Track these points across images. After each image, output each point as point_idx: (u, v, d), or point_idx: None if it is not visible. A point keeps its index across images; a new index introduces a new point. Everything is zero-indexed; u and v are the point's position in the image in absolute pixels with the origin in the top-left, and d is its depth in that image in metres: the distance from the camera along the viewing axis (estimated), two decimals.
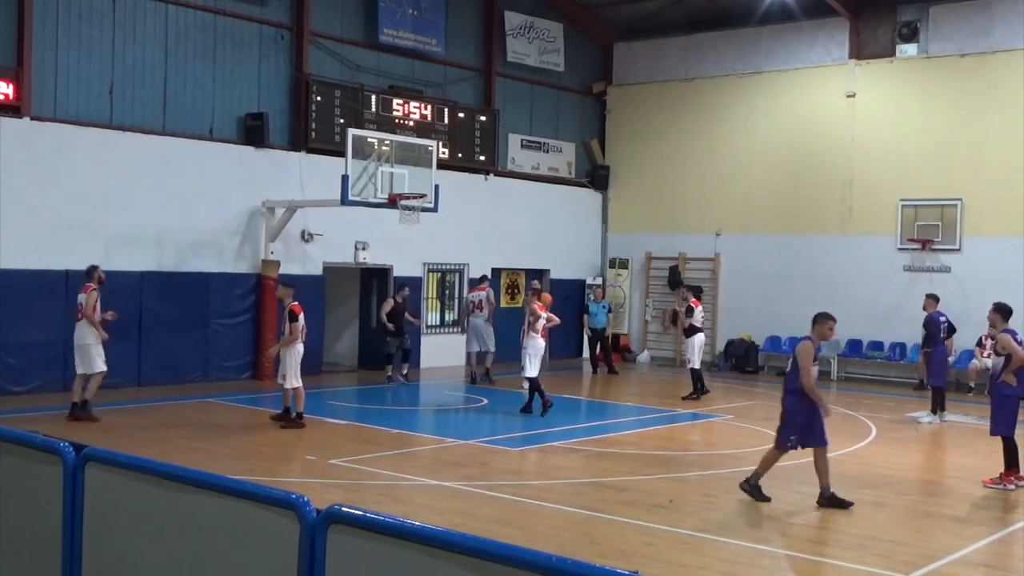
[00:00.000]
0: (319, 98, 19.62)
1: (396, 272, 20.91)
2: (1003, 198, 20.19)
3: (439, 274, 22.38)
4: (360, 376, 20.15)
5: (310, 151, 19.50)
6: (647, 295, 25.22)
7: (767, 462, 10.32)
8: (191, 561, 4.18)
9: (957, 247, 20.87)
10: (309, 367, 18.08)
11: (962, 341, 18.34)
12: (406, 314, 18.79)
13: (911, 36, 21.61)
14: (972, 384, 19.07)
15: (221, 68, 18.44)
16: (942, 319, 16.44)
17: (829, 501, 10.02)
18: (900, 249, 21.52)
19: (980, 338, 17.84)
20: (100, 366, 13.72)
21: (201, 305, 17.93)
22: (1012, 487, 11.06)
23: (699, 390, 17.97)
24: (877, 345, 21.68)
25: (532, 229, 23.95)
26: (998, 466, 11.33)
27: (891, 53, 21.92)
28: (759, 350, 23.19)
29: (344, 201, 16.79)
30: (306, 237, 19.35)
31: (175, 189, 17.58)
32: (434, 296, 22.35)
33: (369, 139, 17.63)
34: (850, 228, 22.21)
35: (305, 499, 3.76)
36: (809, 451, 10.29)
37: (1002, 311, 11.80)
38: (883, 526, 9.49)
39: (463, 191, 21.64)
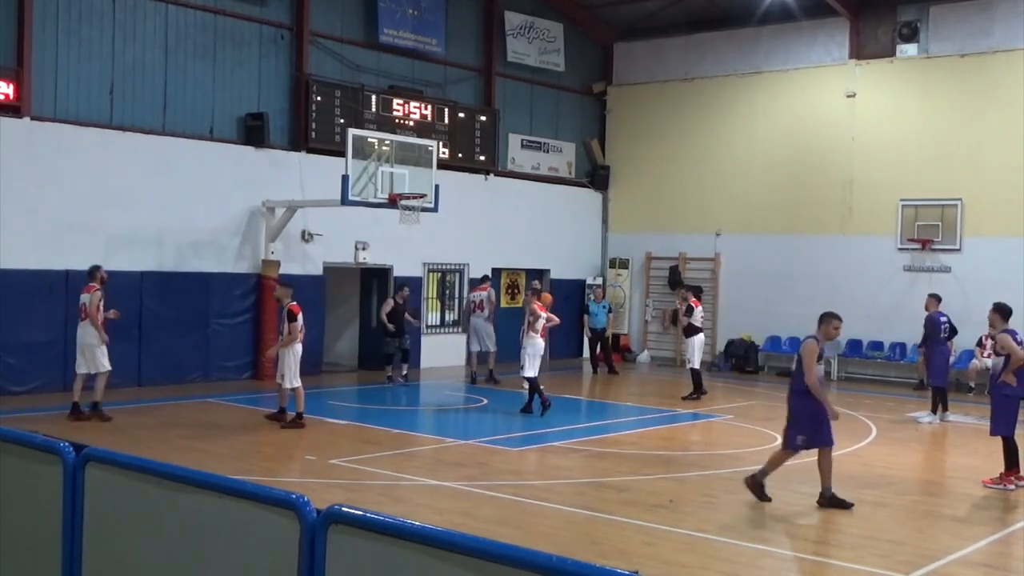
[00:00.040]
0: (319, 98, 19.62)
1: (396, 272, 20.91)
2: (1003, 198, 20.19)
3: (439, 274, 22.38)
4: (360, 376, 20.16)
5: (310, 151, 19.50)
6: (647, 295, 25.22)
7: (774, 462, 10.29)
8: (191, 561, 4.18)
9: (957, 247, 20.87)
10: (309, 367, 18.10)
11: (962, 341, 18.32)
12: (406, 315, 18.79)
13: (911, 36, 21.61)
14: (972, 384, 19.06)
15: (221, 68, 18.44)
16: (943, 319, 16.43)
17: (830, 501, 10.01)
18: (900, 249, 21.52)
19: (980, 338, 17.79)
20: (106, 365, 13.75)
21: (201, 305, 17.94)
22: (1012, 487, 11.07)
23: (698, 390, 17.96)
24: (877, 345, 21.68)
25: (532, 229, 23.95)
26: (998, 466, 11.33)
27: (891, 53, 21.92)
28: (759, 350, 23.19)
29: (344, 201, 16.79)
30: (306, 237, 19.36)
31: (175, 189, 17.58)
32: (434, 296, 22.35)
33: (369, 139, 17.64)
34: (850, 228, 22.22)
35: (305, 499, 3.76)
36: (812, 450, 10.28)
37: (1001, 311, 11.80)
38: (883, 526, 9.49)
39: (463, 191, 21.64)
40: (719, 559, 8.27)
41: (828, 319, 10.30)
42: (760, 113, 23.55)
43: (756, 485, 10.19)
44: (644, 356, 25.02)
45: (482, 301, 19.64)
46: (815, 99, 22.85)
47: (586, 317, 22.20)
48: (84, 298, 13.82)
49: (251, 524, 3.92)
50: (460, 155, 22.14)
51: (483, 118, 22.84)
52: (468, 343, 20.19)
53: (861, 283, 21.58)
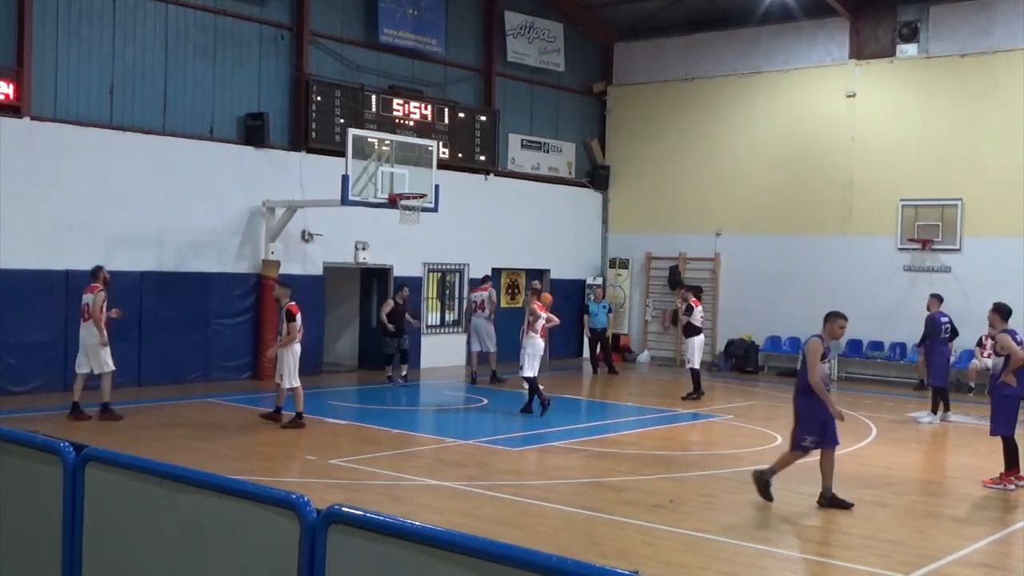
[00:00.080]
0: (319, 98, 19.62)
1: (396, 272, 20.91)
2: (1003, 198, 20.19)
3: (439, 274, 22.38)
4: (360, 376, 20.16)
5: (310, 151, 19.50)
6: (647, 295, 25.22)
7: (782, 462, 10.25)
8: (191, 561, 4.18)
9: (957, 247, 20.87)
10: (309, 367, 18.12)
11: (962, 341, 18.31)
12: (406, 315, 18.78)
13: (911, 36, 21.61)
14: (972, 384, 19.06)
15: (221, 68, 18.45)
16: (944, 319, 16.43)
17: (830, 501, 10.01)
18: (900, 249, 21.53)
19: (980, 338, 17.79)
20: (110, 365, 13.79)
21: (201, 305, 17.94)
22: (1012, 487, 11.07)
23: (697, 390, 17.96)
24: (877, 345, 21.68)
25: (532, 229, 23.95)
26: (998, 466, 11.34)
27: (891, 53, 21.92)
28: (759, 350, 23.19)
29: (344, 201, 16.79)
30: (306, 237, 19.36)
31: (175, 189, 17.58)
32: (434, 296, 22.35)
33: (369, 139, 17.63)
34: (850, 228, 22.22)
35: (305, 499, 3.76)
36: (817, 453, 10.27)
37: (1001, 311, 11.81)
38: (883, 526, 9.49)
39: (463, 191, 21.64)
40: (719, 559, 8.27)
41: (834, 318, 10.25)
42: (760, 113, 23.55)
43: (762, 483, 10.14)
44: (644, 356, 25.02)
45: (483, 301, 19.64)
46: (815, 99, 22.85)
47: (586, 317, 22.20)
48: (87, 298, 13.82)
49: (251, 524, 3.92)
50: (460, 155, 22.14)
51: (483, 118, 22.83)
52: (469, 343, 20.19)
53: (861, 283, 21.58)
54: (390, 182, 17.22)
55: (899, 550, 8.66)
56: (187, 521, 4.19)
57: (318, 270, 19.75)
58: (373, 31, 20.76)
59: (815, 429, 10.04)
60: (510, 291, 24.07)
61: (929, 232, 21.05)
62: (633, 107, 25.50)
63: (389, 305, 18.68)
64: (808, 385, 9.99)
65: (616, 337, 24.57)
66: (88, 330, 13.74)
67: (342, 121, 19.59)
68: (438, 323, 22.47)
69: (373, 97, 20.54)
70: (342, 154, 17.23)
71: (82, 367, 13.81)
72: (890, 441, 14.27)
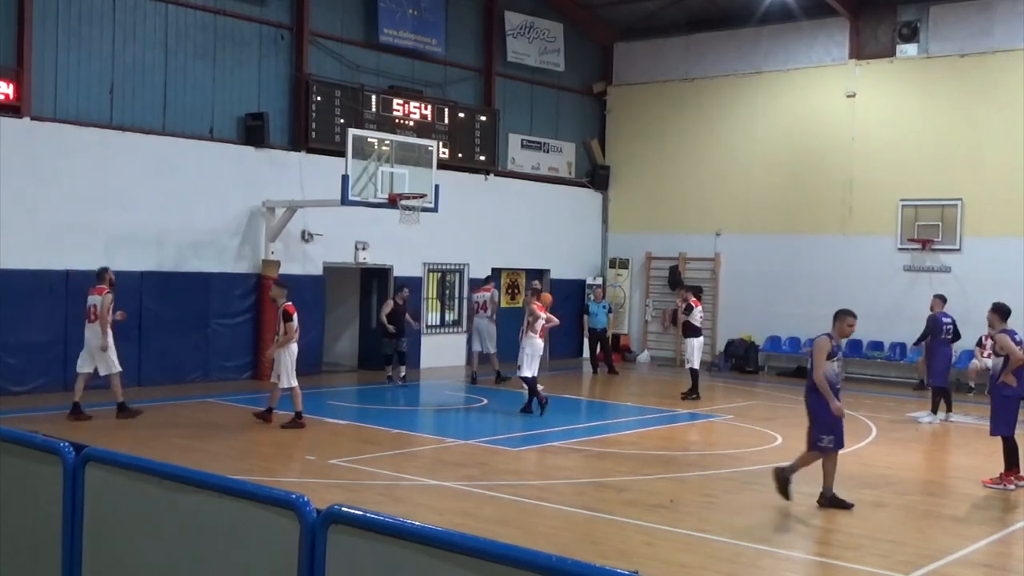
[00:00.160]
0: (319, 98, 19.62)
1: (396, 272, 20.91)
2: (1003, 198, 20.19)
3: (439, 274, 22.38)
4: (360, 376, 20.16)
5: (310, 151, 19.50)
6: (647, 295, 25.22)
7: (803, 461, 10.15)
8: (191, 561, 4.18)
9: (957, 247, 20.88)
10: (309, 367, 18.14)
11: (962, 341, 18.29)
12: (407, 316, 18.77)
13: (911, 36, 21.61)
14: (972, 384, 19.06)
15: (221, 68, 18.45)
16: (946, 320, 16.41)
17: (830, 502, 10.00)
18: (900, 249, 21.53)
19: (980, 338, 17.81)
20: (117, 366, 13.86)
21: (201, 305, 17.94)
22: (1012, 487, 11.07)
23: (694, 391, 17.95)
24: (877, 345, 21.68)
25: (532, 229, 23.95)
26: (998, 466, 11.34)
27: (891, 53, 21.92)
28: (759, 350, 23.19)
29: (344, 201, 16.79)
30: (306, 237, 19.36)
31: (175, 189, 17.58)
32: (434, 296, 22.35)
33: (369, 139, 17.63)
34: (850, 228, 22.22)
35: (305, 499, 3.76)
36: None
37: (1000, 311, 11.81)
38: (883, 526, 9.49)
39: (463, 191, 21.64)
40: (719, 559, 8.26)
41: (842, 316, 10.18)
42: (760, 113, 23.55)
43: (782, 480, 10.02)
44: (644, 356, 25.02)
45: (485, 302, 19.63)
46: (815, 99, 22.85)
47: (586, 317, 22.20)
48: (94, 300, 13.83)
49: (251, 524, 3.92)
50: (460, 155, 22.14)
51: (483, 118, 22.84)
52: (470, 342, 20.16)
53: (861, 283, 21.57)
54: (390, 182, 17.22)
55: (899, 550, 8.66)
56: (187, 521, 4.19)
57: (318, 270, 19.75)
58: (373, 31, 20.76)
59: (830, 428, 9.99)
60: (510, 291, 24.07)
61: (929, 232, 21.05)
62: (633, 107, 25.49)
63: (389, 306, 18.68)
64: (818, 384, 9.93)
65: (616, 337, 24.57)
66: (93, 331, 13.76)
67: (342, 121, 19.59)
68: (438, 323, 22.47)
69: (373, 97, 20.55)
70: (342, 154, 17.23)
71: (84, 367, 13.82)
72: (890, 441, 14.27)
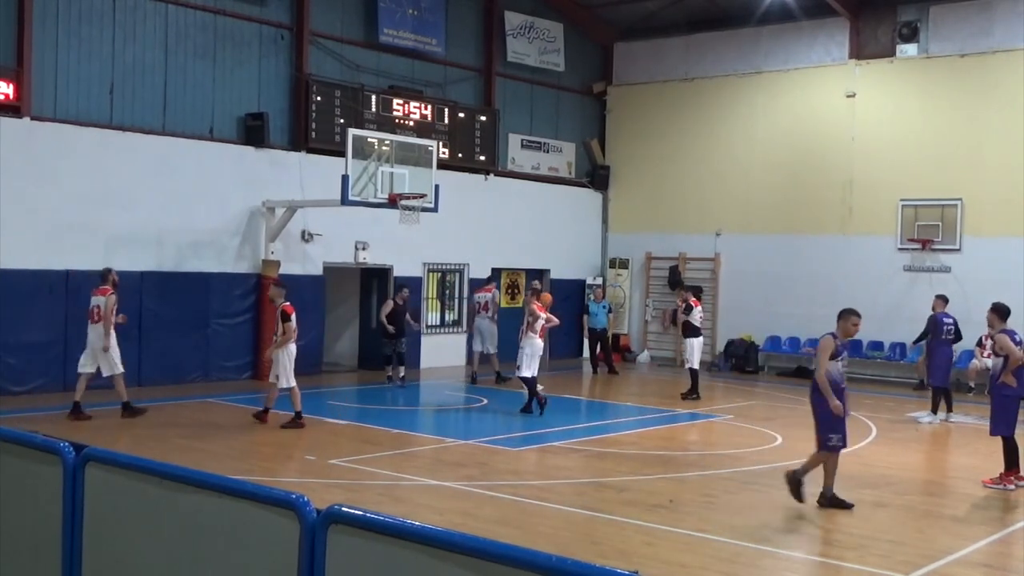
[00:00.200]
0: (319, 98, 19.62)
1: (396, 272, 20.91)
2: (1003, 198, 20.19)
3: (439, 274, 22.38)
4: (360, 376, 20.16)
5: (310, 151, 19.50)
6: (647, 295, 25.22)
7: (813, 462, 10.11)
8: (191, 561, 4.18)
9: (957, 247, 20.88)
10: (309, 367, 18.15)
11: (962, 341, 18.31)
12: (407, 316, 18.76)
13: (911, 36, 21.61)
14: (972, 384, 19.05)
15: (221, 68, 18.45)
16: (948, 320, 16.38)
17: (830, 501, 10.00)
18: (900, 249, 21.53)
19: (980, 338, 17.79)
20: (120, 367, 13.88)
21: (201, 305, 17.94)
22: (1012, 487, 11.07)
23: (694, 391, 17.95)
24: (877, 345, 21.67)
25: (532, 229, 23.95)
26: (998, 466, 11.34)
27: (891, 53, 21.92)
28: (759, 350, 23.19)
29: (344, 201, 16.78)
30: (306, 237, 19.36)
31: (175, 189, 17.58)
32: (434, 296, 22.35)
33: (369, 139, 17.63)
34: (850, 228, 22.22)
35: (305, 499, 3.76)
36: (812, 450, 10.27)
37: (999, 312, 11.82)
38: (883, 526, 9.49)
39: (463, 191, 21.64)
40: (719, 559, 8.26)
41: (847, 316, 10.13)
42: (760, 113, 23.55)
43: (795, 482, 9.97)
44: (644, 356, 25.02)
45: (487, 302, 19.63)
46: (815, 99, 22.85)
47: (586, 317, 22.20)
48: (97, 300, 13.84)
49: (251, 524, 3.92)
50: (460, 155, 22.14)
51: (483, 118, 22.84)
52: (471, 342, 20.12)
53: (861, 283, 21.56)
54: (390, 182, 17.22)
55: (899, 550, 8.66)
56: (187, 521, 4.19)
57: (318, 270, 19.75)
58: (373, 31, 20.76)
59: (837, 427, 9.97)
60: (510, 291, 24.07)
61: (929, 232, 21.05)
62: (633, 107, 25.50)
63: (389, 306, 18.66)
64: (826, 385, 9.91)
65: (616, 337, 24.57)
66: (97, 332, 13.78)
67: (342, 121, 19.59)
68: (438, 323, 22.47)
69: (373, 97, 20.55)
70: (342, 154, 17.23)
71: (86, 367, 13.84)
72: (890, 441, 14.27)
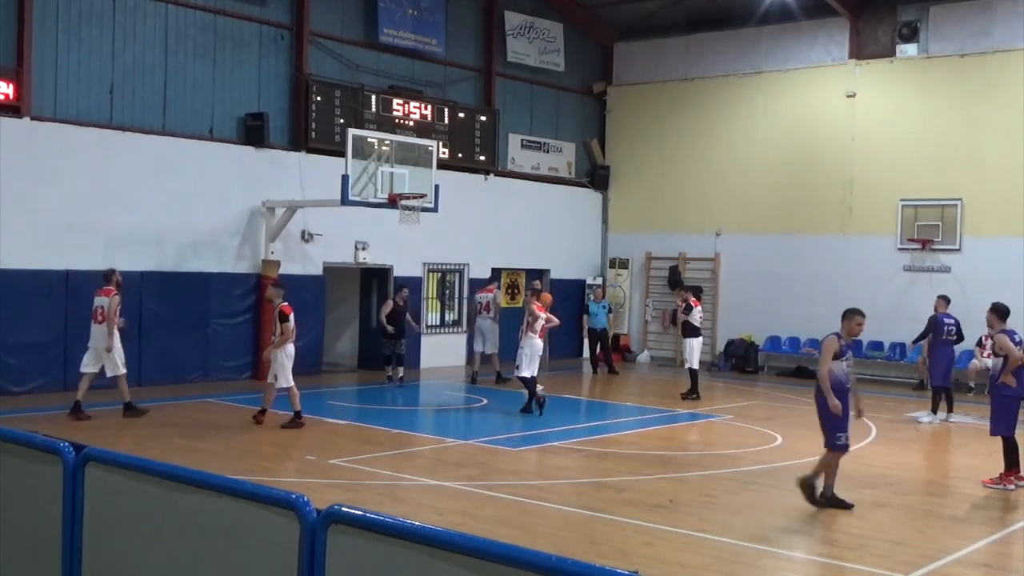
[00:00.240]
0: (319, 98, 19.62)
1: (396, 272, 20.91)
2: (1003, 198, 20.19)
3: (439, 274, 22.38)
4: (360, 376, 20.15)
5: (310, 151, 19.50)
6: (647, 295, 25.23)
7: (824, 464, 10.07)
8: (191, 561, 4.18)
9: (957, 247, 20.88)
10: (309, 367, 18.16)
11: (963, 341, 18.31)
12: (407, 317, 18.76)
13: (911, 36, 21.62)
14: (972, 384, 19.05)
15: (221, 68, 18.45)
16: (949, 320, 16.35)
17: (830, 501, 9.99)
18: (900, 249, 21.53)
19: (980, 338, 17.80)
20: (123, 367, 13.90)
21: (201, 305, 17.94)
22: (1012, 487, 11.07)
23: (694, 391, 17.95)
24: (877, 345, 21.67)
25: (532, 229, 23.95)
26: (998, 466, 11.34)
27: (891, 53, 21.92)
28: (759, 350, 23.19)
29: (344, 201, 16.79)
30: (306, 237, 19.36)
31: (175, 189, 17.58)
32: (434, 296, 22.35)
33: (369, 139, 17.63)
34: (850, 228, 22.22)
35: (305, 499, 3.76)
36: (819, 451, 10.25)
37: (998, 312, 11.82)
38: (883, 526, 9.49)
39: (463, 191, 21.64)
40: (719, 559, 8.27)
41: (851, 315, 10.12)
42: (760, 113, 23.56)
43: (808, 488, 9.94)
44: (644, 356, 25.02)
45: (489, 303, 19.63)
46: (815, 99, 22.85)
47: (586, 317, 22.20)
48: (101, 301, 13.84)
49: (251, 524, 3.92)
50: (460, 155, 22.14)
51: (483, 118, 22.84)
52: (473, 342, 20.07)
53: (861, 283, 21.55)
54: (390, 182, 17.22)
55: (899, 550, 8.66)
56: (187, 521, 4.19)
57: (318, 270, 19.75)
58: (373, 31, 20.76)
59: (844, 426, 9.96)
60: (510, 291, 24.07)
61: (929, 232, 21.05)
62: (633, 107, 25.50)
63: (389, 306, 18.66)
64: (827, 383, 9.87)
65: (616, 337, 24.57)
66: (101, 332, 13.79)
67: (342, 121, 19.59)
68: (438, 323, 22.47)
69: (373, 97, 20.55)
70: (342, 154, 17.23)
71: (89, 367, 13.84)
72: (890, 441, 14.27)
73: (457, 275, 22.66)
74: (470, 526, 8.49)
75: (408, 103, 21.16)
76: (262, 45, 19.06)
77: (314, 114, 19.50)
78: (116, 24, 17.01)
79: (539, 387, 15.76)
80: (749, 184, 23.55)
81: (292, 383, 13.80)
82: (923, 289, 20.55)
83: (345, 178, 16.63)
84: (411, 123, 21.10)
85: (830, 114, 22.56)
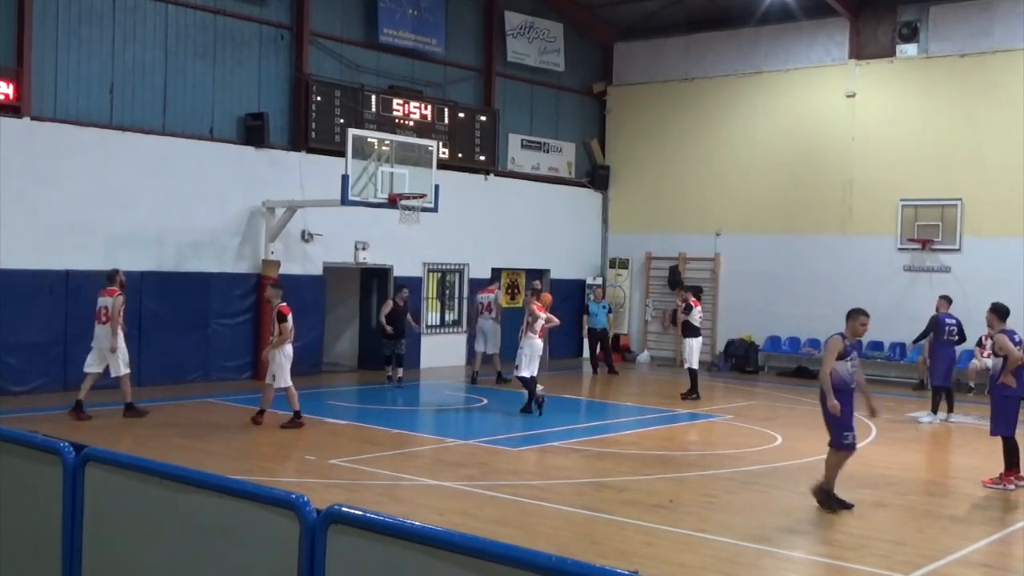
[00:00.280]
0: (319, 98, 19.62)
1: (396, 272, 20.91)
2: (1003, 198, 20.19)
3: (439, 274, 22.38)
4: (360, 376, 20.15)
5: (310, 151, 19.50)
6: (647, 295, 25.23)
7: (835, 466, 10.02)
8: (191, 561, 4.18)
9: (957, 247, 20.88)
10: (309, 367, 18.17)
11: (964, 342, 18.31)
12: (408, 317, 18.76)
13: (911, 36, 21.62)
14: (972, 384, 19.05)
15: (221, 68, 18.45)
16: (950, 321, 16.34)
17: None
18: (900, 249, 21.53)
19: (980, 338, 17.80)
20: (127, 368, 13.91)
21: (201, 305, 17.94)
22: (1012, 487, 11.07)
23: (694, 391, 17.95)
24: (877, 345, 21.66)
25: (532, 229, 23.95)
26: (998, 466, 11.34)
27: (891, 53, 21.92)
28: (759, 350, 23.19)
29: (344, 201, 16.79)
30: (306, 237, 19.36)
31: (175, 189, 17.58)
32: (434, 296, 22.35)
33: (369, 139, 17.63)
34: (850, 228, 22.22)
35: (305, 499, 3.76)
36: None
37: (998, 312, 11.82)
38: (883, 526, 9.49)
39: (463, 191, 21.64)
40: (719, 559, 8.27)
41: (855, 316, 10.08)
42: (760, 113, 23.56)
43: (824, 494, 9.89)
44: (644, 356, 25.02)
45: (490, 303, 19.62)
46: (815, 99, 22.85)
47: (585, 317, 22.20)
48: (105, 301, 13.84)
49: (251, 524, 3.92)
50: (460, 155, 22.14)
51: (483, 118, 22.84)
52: (474, 343, 20.03)
53: (861, 283, 21.55)
54: (390, 182, 17.22)
55: (899, 550, 8.66)
56: (187, 521, 4.19)
57: (318, 270, 19.75)
58: (373, 31, 20.76)
59: (850, 425, 9.95)
60: (510, 291, 24.07)
61: (929, 232, 21.05)
62: (633, 107, 25.50)
63: (388, 306, 18.66)
64: (832, 384, 9.85)
65: (616, 337, 24.57)
66: (105, 332, 13.79)
67: (342, 121, 19.60)
68: (438, 323, 22.47)
69: (373, 97, 20.55)
70: (342, 154, 17.23)
71: (92, 367, 13.85)
72: (890, 441, 14.26)
73: (457, 275, 22.66)
74: (470, 526, 8.49)
75: (408, 103, 21.16)
76: (262, 45, 19.06)
77: (314, 114, 19.50)
78: (116, 24, 17.01)
79: (539, 387, 15.76)
80: (749, 184, 23.55)
81: (290, 383, 13.80)
82: (923, 289, 20.55)
83: (345, 178, 16.63)
84: (411, 123, 21.10)
85: (830, 114, 22.56)
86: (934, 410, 16.12)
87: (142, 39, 17.36)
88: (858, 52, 22.30)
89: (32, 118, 15.94)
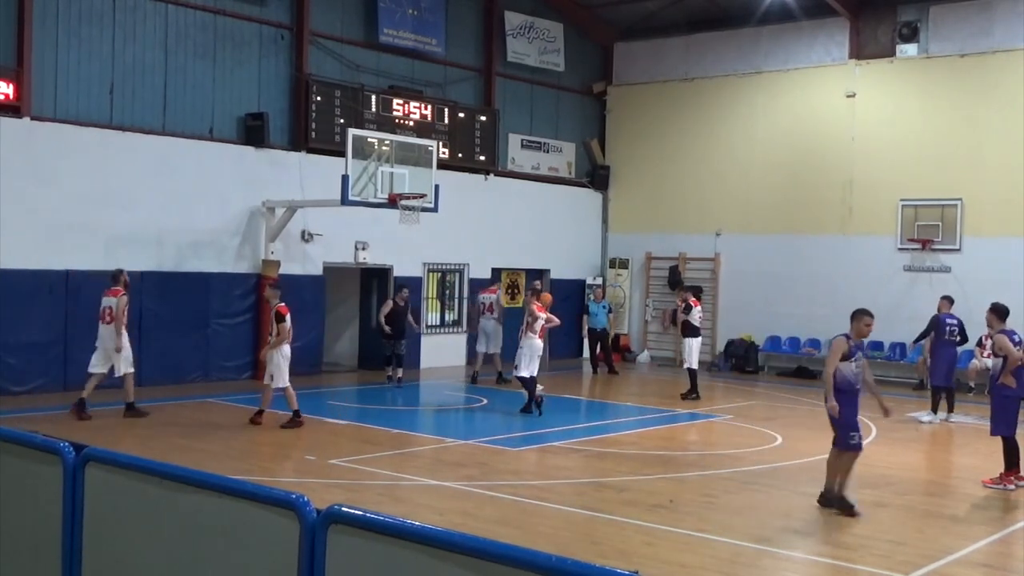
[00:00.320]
0: (319, 98, 19.62)
1: (396, 272, 20.91)
2: (1003, 198, 20.19)
3: (439, 274, 22.38)
4: (360, 376, 20.15)
5: (310, 151, 19.50)
6: (647, 295, 25.23)
7: (843, 469, 9.96)
8: (191, 561, 4.18)
9: (957, 247, 20.88)
10: (309, 367, 18.17)
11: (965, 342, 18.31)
12: (408, 317, 18.75)
13: (911, 36, 21.62)
14: (972, 384, 19.04)
15: (221, 68, 18.45)
16: (951, 321, 16.33)
17: (829, 500, 9.98)
18: (900, 249, 21.53)
19: (980, 338, 17.78)
20: (131, 367, 13.95)
21: (201, 305, 17.94)
22: (1012, 487, 11.07)
23: (694, 391, 17.95)
24: (877, 345, 21.63)
25: (532, 229, 23.95)
26: (998, 466, 11.34)
27: (891, 53, 21.92)
28: (759, 350, 23.19)
29: (344, 201, 16.79)
30: (306, 237, 19.36)
31: (175, 189, 17.58)
32: (434, 296, 22.35)
33: (369, 139, 17.63)
34: (850, 228, 22.22)
35: (305, 499, 3.76)
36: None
37: (998, 312, 11.82)
38: (883, 526, 9.49)
39: (463, 191, 21.64)
40: (719, 559, 8.27)
41: (859, 316, 10.05)
42: (760, 113, 23.56)
43: (837, 499, 9.84)
44: (644, 356, 25.02)
45: (492, 304, 19.62)
46: (815, 99, 22.85)
47: (585, 317, 22.20)
48: (109, 301, 13.85)
49: (251, 524, 3.92)
50: (460, 155, 22.14)
51: (483, 118, 22.84)
52: (476, 343, 20.02)
53: (861, 283, 21.55)
54: (390, 182, 17.22)
55: (899, 550, 8.66)
56: (187, 521, 4.19)
57: (318, 270, 19.75)
58: (373, 31, 20.76)
59: (856, 425, 9.95)
60: (510, 291, 24.07)
61: (929, 232, 21.05)
62: (633, 107, 25.50)
63: (388, 306, 18.66)
64: (835, 384, 9.85)
65: (616, 337, 24.57)
66: (109, 333, 13.79)
67: (342, 121, 19.60)
68: (438, 323, 22.47)
69: (373, 97, 20.55)
70: (342, 154, 17.23)
71: (97, 367, 13.84)
72: (890, 441, 14.26)
73: (457, 275, 22.66)
74: (470, 526, 8.49)
75: (408, 103, 21.16)
76: (262, 45, 19.06)
77: (314, 114, 19.50)
78: (116, 24, 17.01)
79: (539, 387, 15.76)
80: (749, 184, 23.55)
81: (288, 383, 13.80)
82: (923, 289, 20.55)
83: (345, 178, 16.63)
84: (411, 123, 21.10)
85: (830, 114, 22.56)
86: (934, 410, 16.12)
87: (142, 39, 17.36)
88: (858, 52, 22.30)
89: (32, 118, 15.94)
